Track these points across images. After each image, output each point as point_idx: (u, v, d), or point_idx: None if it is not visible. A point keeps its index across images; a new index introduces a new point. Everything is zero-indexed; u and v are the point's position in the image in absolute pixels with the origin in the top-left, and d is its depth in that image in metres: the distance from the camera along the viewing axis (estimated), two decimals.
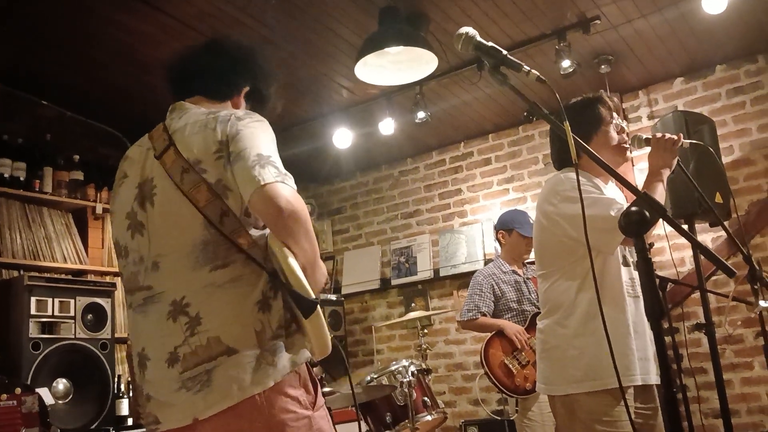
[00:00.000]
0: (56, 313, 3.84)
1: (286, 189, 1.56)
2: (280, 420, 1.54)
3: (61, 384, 3.79)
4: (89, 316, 3.99)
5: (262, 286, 1.60)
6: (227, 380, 1.52)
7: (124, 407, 4.16)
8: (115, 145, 4.87)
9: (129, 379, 4.39)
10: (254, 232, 1.63)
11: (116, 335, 4.18)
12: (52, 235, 4.48)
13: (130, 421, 4.15)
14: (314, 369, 1.71)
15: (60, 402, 3.73)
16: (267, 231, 1.64)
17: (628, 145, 2.51)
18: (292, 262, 1.56)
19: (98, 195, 4.75)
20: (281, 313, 1.61)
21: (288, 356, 1.58)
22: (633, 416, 2.26)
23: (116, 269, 4.77)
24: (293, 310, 1.62)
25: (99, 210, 4.71)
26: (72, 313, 3.90)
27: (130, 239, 1.72)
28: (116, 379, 4.07)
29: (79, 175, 4.69)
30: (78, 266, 4.54)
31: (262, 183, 1.53)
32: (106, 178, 4.83)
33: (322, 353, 1.63)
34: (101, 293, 4.10)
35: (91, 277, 4.55)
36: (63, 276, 4.35)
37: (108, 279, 4.63)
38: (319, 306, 1.57)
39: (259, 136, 1.65)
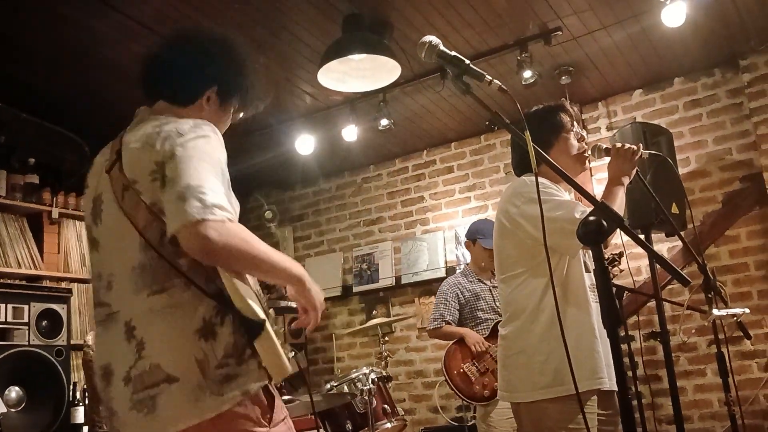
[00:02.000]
0: (9, 319, 3.75)
1: (209, 227, 1.43)
2: None
3: (14, 392, 3.69)
4: (44, 323, 3.89)
5: (203, 313, 1.53)
6: (170, 407, 1.49)
7: (79, 415, 4.07)
8: (72, 149, 4.77)
9: (85, 386, 4.30)
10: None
11: (72, 342, 4.09)
12: (6, 240, 4.38)
13: (85, 430, 4.07)
14: None
15: (12, 410, 3.63)
16: None
17: (587, 154, 2.54)
18: (236, 283, 1.51)
19: (54, 199, 4.65)
20: (229, 340, 1.53)
21: (239, 384, 1.52)
22: (597, 422, 2.28)
23: (72, 275, 4.68)
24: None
25: (55, 215, 4.62)
26: (26, 320, 3.81)
27: (89, 253, 1.74)
28: (71, 387, 3.98)
29: (34, 179, 4.59)
30: (33, 271, 4.44)
31: (184, 222, 1.44)
32: (62, 182, 4.74)
33: (279, 375, 1.56)
34: (57, 299, 4.01)
35: (46, 283, 4.45)
36: (17, 281, 4.25)
37: (64, 285, 4.53)
38: (269, 327, 1.52)
39: (194, 159, 1.52)
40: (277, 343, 1.54)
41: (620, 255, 4.19)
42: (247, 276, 1.59)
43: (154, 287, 1.54)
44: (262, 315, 1.51)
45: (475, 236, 4.43)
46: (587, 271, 2.40)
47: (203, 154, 1.54)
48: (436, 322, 4.38)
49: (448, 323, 4.35)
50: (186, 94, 1.77)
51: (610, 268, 3.99)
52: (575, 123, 2.55)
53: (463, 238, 4.91)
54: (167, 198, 1.49)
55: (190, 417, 1.48)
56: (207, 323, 1.53)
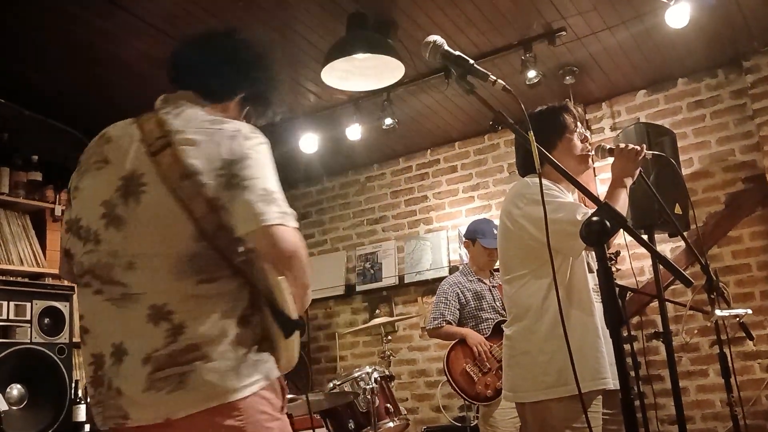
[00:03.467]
0: (12, 316, 3.74)
1: (287, 232, 1.57)
2: (256, 420, 1.58)
3: (16, 389, 3.70)
4: (46, 320, 3.89)
5: (244, 303, 1.63)
6: (203, 384, 1.54)
7: (81, 413, 4.07)
8: (76, 146, 4.76)
9: (87, 383, 4.30)
10: (242, 250, 1.62)
11: (74, 340, 4.08)
12: (9, 237, 4.38)
13: (87, 428, 4.07)
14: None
15: (14, 408, 3.64)
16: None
17: (591, 154, 2.54)
18: (284, 284, 1.59)
19: (57, 196, 4.65)
20: (257, 330, 1.64)
21: (262, 370, 1.61)
22: (601, 422, 2.28)
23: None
24: (267, 328, 1.65)
25: (58, 212, 4.62)
26: (28, 317, 3.80)
27: (103, 228, 1.65)
28: (73, 385, 3.98)
29: (37, 176, 4.59)
30: (35, 269, 4.44)
31: (265, 223, 1.54)
32: (65, 179, 4.73)
33: (288, 368, 1.69)
34: (59, 297, 4.00)
35: (48, 281, 4.45)
36: (19, 279, 4.25)
37: (66, 282, 4.53)
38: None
39: (266, 165, 1.63)
40: (299, 340, 1.68)
41: (617, 254, 4.18)
42: None
43: (203, 276, 1.58)
44: (295, 315, 1.62)
45: (475, 236, 4.42)
46: (591, 271, 2.41)
47: (270, 162, 1.65)
48: (436, 322, 4.37)
49: (448, 323, 4.33)
50: (220, 93, 1.83)
51: None
52: (579, 124, 2.55)
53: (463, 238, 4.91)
54: (243, 198, 1.56)
55: (222, 394, 1.54)
56: (245, 312, 1.63)
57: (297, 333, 1.64)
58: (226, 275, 1.61)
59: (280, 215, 1.57)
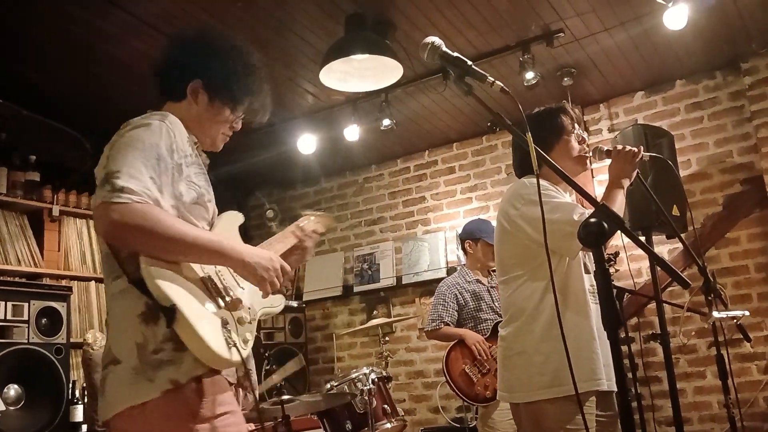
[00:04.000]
0: (9, 317, 3.74)
1: (112, 209, 1.48)
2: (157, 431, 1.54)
3: (13, 390, 3.69)
4: (44, 321, 3.89)
5: (146, 298, 1.54)
6: (113, 389, 1.57)
7: (78, 413, 4.07)
8: (74, 146, 4.76)
9: (84, 384, 4.30)
10: None
11: (72, 340, 4.08)
12: (6, 237, 4.37)
13: (84, 428, 4.07)
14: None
15: (11, 408, 3.63)
16: None
17: (588, 155, 2.55)
18: (152, 268, 1.52)
19: (55, 197, 4.64)
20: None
21: (170, 371, 1.53)
22: (595, 423, 2.28)
23: (72, 273, 4.68)
24: None
25: (55, 212, 4.61)
26: (25, 317, 3.80)
27: None
28: (71, 385, 3.98)
29: (35, 176, 4.58)
30: (33, 269, 4.43)
31: (94, 204, 1.53)
32: (63, 179, 4.73)
33: (213, 362, 1.55)
34: (56, 297, 4.00)
35: (46, 281, 4.45)
36: (17, 279, 4.25)
37: (64, 283, 4.53)
38: (185, 311, 1.50)
39: (124, 147, 1.59)
40: (200, 327, 1.50)
41: (616, 255, 4.18)
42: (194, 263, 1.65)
43: (114, 273, 1.64)
44: (173, 299, 1.50)
45: (479, 235, 4.41)
46: (587, 272, 2.41)
47: (136, 141, 1.60)
48: (434, 324, 4.38)
49: (446, 324, 4.34)
50: (172, 89, 1.85)
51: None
52: (576, 125, 2.56)
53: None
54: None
55: (125, 400, 1.53)
56: (150, 308, 1.56)
57: (185, 320, 1.48)
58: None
59: (108, 194, 1.49)
